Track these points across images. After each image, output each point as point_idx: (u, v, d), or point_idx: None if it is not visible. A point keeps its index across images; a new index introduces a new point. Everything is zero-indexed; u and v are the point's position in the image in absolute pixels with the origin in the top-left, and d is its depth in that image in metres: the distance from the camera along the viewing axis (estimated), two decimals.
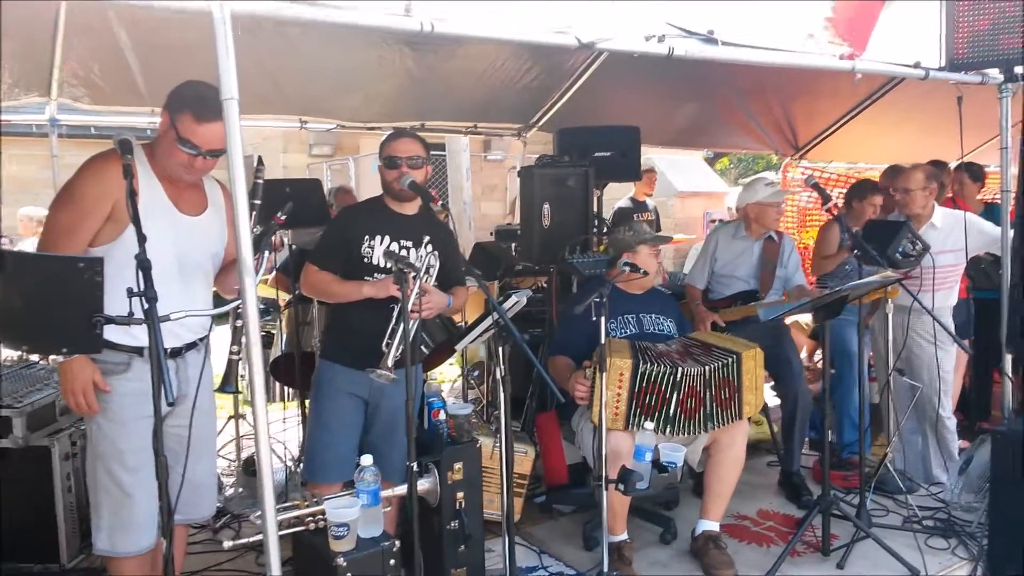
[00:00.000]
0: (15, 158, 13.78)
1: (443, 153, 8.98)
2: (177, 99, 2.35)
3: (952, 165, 5.11)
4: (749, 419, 3.52)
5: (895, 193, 4.15)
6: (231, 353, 2.39)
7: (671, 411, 3.25)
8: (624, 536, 3.39)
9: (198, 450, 2.46)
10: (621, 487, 2.88)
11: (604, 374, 3.04)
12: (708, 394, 3.28)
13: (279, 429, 4.93)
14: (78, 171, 2.38)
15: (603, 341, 2.98)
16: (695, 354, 3.38)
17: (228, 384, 2.39)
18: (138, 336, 2.32)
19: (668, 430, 3.24)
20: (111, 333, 2.17)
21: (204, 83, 2.30)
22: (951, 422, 4.17)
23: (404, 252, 2.95)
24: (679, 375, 3.23)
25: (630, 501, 3.36)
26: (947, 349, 4.06)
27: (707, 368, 3.26)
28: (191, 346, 2.53)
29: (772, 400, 5.08)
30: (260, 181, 2.46)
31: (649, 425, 3.05)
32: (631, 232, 3.74)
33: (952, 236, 3.97)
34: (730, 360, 3.28)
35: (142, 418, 2.33)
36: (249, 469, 4.35)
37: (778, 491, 4.26)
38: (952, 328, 4.03)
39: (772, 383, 4.78)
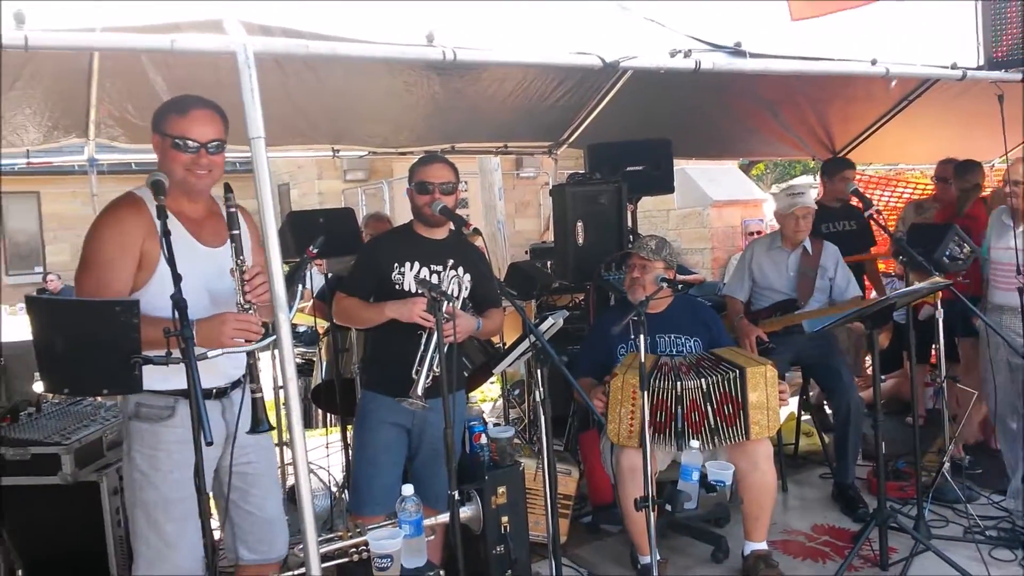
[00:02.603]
0: (58, 196, 14.26)
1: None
2: (157, 114, 2.35)
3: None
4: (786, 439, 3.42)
5: (1004, 186, 3.86)
6: (252, 392, 2.26)
7: (679, 426, 3.21)
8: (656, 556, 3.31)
9: (265, 486, 2.49)
10: (669, 507, 2.83)
11: (644, 392, 2.98)
12: (710, 408, 3.20)
13: (322, 455, 4.95)
14: (95, 234, 2.28)
15: (642, 359, 2.93)
16: (704, 367, 3.30)
17: (260, 424, 2.24)
18: (182, 378, 2.20)
19: (681, 445, 3.18)
20: (153, 379, 2.13)
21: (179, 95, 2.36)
22: None
23: (434, 277, 2.94)
24: (679, 389, 3.19)
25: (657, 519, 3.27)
26: None
27: (705, 381, 3.20)
28: (236, 384, 2.45)
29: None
30: (233, 209, 2.26)
31: (695, 444, 2.99)
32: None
33: None
34: (732, 375, 3.18)
35: (190, 466, 2.17)
36: (294, 497, 4.35)
37: (832, 504, 4.13)
38: None
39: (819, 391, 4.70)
